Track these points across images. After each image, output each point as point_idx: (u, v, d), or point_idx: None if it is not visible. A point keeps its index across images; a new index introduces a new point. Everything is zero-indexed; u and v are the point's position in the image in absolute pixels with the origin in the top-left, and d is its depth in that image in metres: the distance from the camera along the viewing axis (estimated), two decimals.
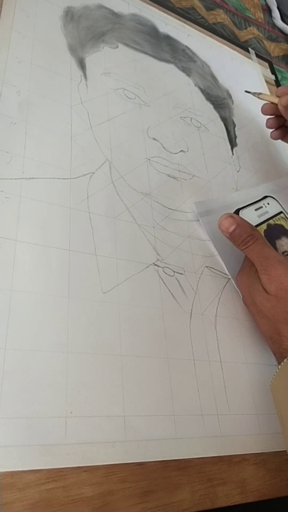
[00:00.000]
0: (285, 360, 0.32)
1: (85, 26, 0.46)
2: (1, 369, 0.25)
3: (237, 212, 0.41)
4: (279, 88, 0.48)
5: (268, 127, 0.51)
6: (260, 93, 0.49)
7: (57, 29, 0.43)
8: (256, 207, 0.42)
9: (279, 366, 0.32)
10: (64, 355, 0.28)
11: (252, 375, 0.36)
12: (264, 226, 0.41)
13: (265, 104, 0.50)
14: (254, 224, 0.39)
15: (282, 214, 0.44)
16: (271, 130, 0.52)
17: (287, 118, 0.47)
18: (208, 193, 0.45)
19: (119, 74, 0.45)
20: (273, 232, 0.41)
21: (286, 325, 0.33)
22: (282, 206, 0.44)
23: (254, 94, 0.50)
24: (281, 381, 0.32)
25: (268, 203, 0.43)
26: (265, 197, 0.44)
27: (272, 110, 0.49)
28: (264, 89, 0.64)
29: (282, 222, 0.43)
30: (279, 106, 0.47)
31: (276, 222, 0.42)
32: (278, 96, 0.48)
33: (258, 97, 0.49)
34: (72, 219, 0.33)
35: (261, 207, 0.43)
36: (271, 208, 0.43)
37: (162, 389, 0.31)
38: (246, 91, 0.50)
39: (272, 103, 0.48)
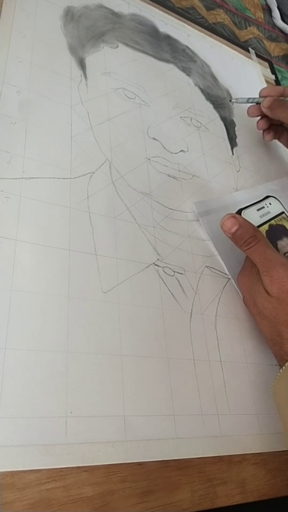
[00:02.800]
0: (286, 364, 0.32)
1: (85, 26, 0.46)
2: (1, 369, 0.25)
3: (239, 212, 0.41)
4: (262, 89, 0.49)
5: (259, 129, 0.52)
6: (248, 98, 0.50)
7: (57, 29, 0.43)
8: (258, 207, 0.42)
9: (281, 370, 0.32)
10: (64, 355, 0.28)
11: (252, 375, 0.36)
12: (266, 226, 0.41)
13: (249, 107, 0.50)
14: (256, 224, 0.39)
15: (284, 215, 0.44)
16: (262, 131, 0.52)
17: (273, 118, 0.48)
18: (208, 193, 0.45)
19: (119, 74, 0.45)
20: (275, 232, 0.41)
21: (287, 328, 0.33)
22: (284, 207, 0.44)
23: (241, 101, 0.50)
24: (283, 384, 0.32)
25: (270, 203, 0.43)
26: (267, 197, 0.44)
27: (257, 111, 0.50)
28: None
29: (284, 223, 0.43)
30: (262, 109, 0.48)
31: (278, 223, 0.42)
32: (263, 96, 0.49)
33: (246, 102, 0.50)
34: (72, 219, 0.33)
35: (263, 207, 0.43)
36: (273, 208, 0.43)
37: (162, 389, 0.31)
38: (230, 101, 0.51)
39: (257, 103, 0.49)
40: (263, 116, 0.51)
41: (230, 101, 0.51)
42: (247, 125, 0.56)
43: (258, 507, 0.31)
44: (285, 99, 0.48)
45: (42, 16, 0.43)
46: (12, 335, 0.27)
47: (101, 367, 0.29)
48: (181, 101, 0.50)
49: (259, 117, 0.52)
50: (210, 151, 0.48)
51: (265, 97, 0.48)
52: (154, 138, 0.44)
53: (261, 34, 0.77)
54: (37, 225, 0.31)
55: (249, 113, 0.51)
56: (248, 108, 0.51)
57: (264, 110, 0.48)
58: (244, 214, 0.41)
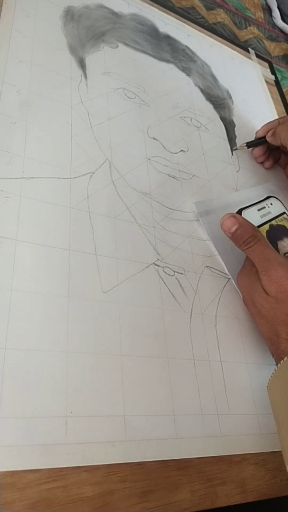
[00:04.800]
0: (281, 361, 0.32)
1: (85, 25, 0.46)
2: (1, 369, 0.25)
3: (239, 212, 0.41)
4: (258, 130, 0.52)
5: (255, 157, 0.53)
6: (246, 143, 0.52)
7: (57, 28, 0.43)
8: (259, 207, 0.42)
9: (276, 368, 0.32)
10: (64, 355, 0.28)
11: (252, 375, 0.36)
12: (266, 226, 0.41)
13: (253, 149, 0.53)
14: (256, 224, 0.39)
15: (284, 215, 0.43)
16: (262, 161, 0.54)
17: (276, 144, 0.50)
18: (208, 193, 0.45)
19: (119, 73, 0.45)
20: (275, 233, 0.41)
21: (284, 327, 0.33)
22: (285, 207, 0.44)
23: (241, 147, 0.52)
24: (277, 382, 0.32)
25: (271, 203, 0.43)
26: (268, 197, 0.44)
27: (261, 151, 0.53)
28: (263, 90, 0.64)
29: (285, 223, 0.43)
30: (267, 138, 0.50)
31: (279, 223, 0.42)
32: (260, 137, 0.52)
33: (246, 148, 0.52)
34: (72, 218, 0.33)
35: (264, 207, 0.43)
36: (274, 208, 0.43)
37: (162, 389, 0.31)
38: (235, 149, 0.52)
39: (259, 143, 0.52)
40: (264, 153, 0.53)
41: (235, 149, 0.53)
42: (247, 125, 0.56)
43: (258, 507, 0.31)
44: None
45: (42, 16, 0.43)
46: (12, 335, 0.27)
47: (101, 367, 0.29)
48: (181, 101, 0.50)
49: (258, 148, 0.53)
50: (210, 151, 0.49)
51: (263, 137, 0.51)
52: (154, 138, 0.44)
53: (261, 34, 0.77)
54: (37, 225, 0.31)
55: (255, 156, 0.53)
56: (253, 151, 0.53)
57: (269, 139, 0.50)
58: (244, 214, 0.41)
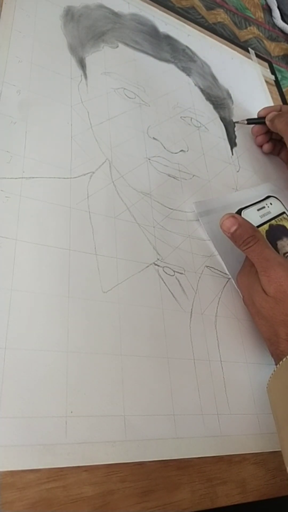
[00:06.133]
0: (280, 362, 0.32)
1: (85, 25, 0.46)
2: (1, 369, 0.25)
3: (239, 212, 0.41)
4: (260, 110, 0.54)
5: (258, 145, 0.55)
6: (247, 119, 0.54)
7: (57, 28, 0.43)
8: (258, 207, 0.42)
9: (275, 368, 0.32)
10: (64, 355, 0.28)
11: (252, 375, 0.36)
12: (266, 226, 0.41)
13: (253, 127, 0.54)
14: (256, 224, 0.39)
15: (284, 215, 0.43)
16: (261, 143, 0.55)
17: (274, 131, 0.51)
18: (208, 193, 0.45)
19: (119, 73, 0.45)
20: (275, 232, 0.41)
21: (283, 327, 0.33)
22: (285, 207, 0.44)
23: (242, 122, 0.54)
24: (276, 382, 0.32)
25: (270, 203, 0.43)
26: (268, 197, 0.44)
27: (260, 130, 0.54)
28: (264, 89, 0.64)
29: (285, 223, 0.43)
30: (267, 122, 0.52)
31: (279, 223, 0.42)
32: (260, 116, 0.53)
33: (246, 123, 0.54)
34: (72, 218, 0.33)
35: (264, 207, 0.43)
36: (273, 208, 0.43)
37: (162, 388, 0.31)
38: (236, 122, 0.54)
39: (259, 123, 0.53)
40: (264, 133, 0.54)
41: (236, 122, 0.55)
42: (247, 125, 0.56)
43: (258, 507, 0.31)
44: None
45: (42, 16, 0.43)
46: (12, 335, 0.27)
47: (101, 367, 0.29)
48: (181, 101, 0.50)
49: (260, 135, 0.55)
50: (210, 151, 0.49)
51: (263, 116, 0.52)
52: (154, 138, 0.44)
53: (261, 34, 0.77)
54: (37, 225, 0.31)
55: (254, 133, 0.55)
56: (253, 128, 0.54)
57: (268, 123, 0.51)
58: (244, 214, 0.41)
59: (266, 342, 0.36)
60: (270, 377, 0.33)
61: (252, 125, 0.55)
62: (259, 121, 0.53)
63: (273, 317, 0.34)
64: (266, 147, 0.54)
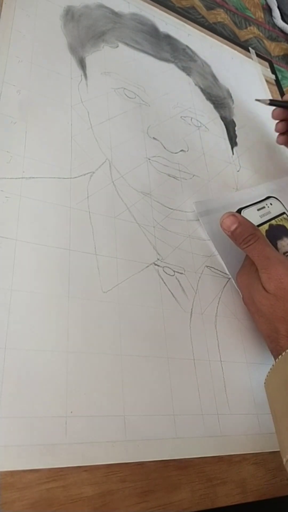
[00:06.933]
0: (279, 357, 0.32)
1: (85, 25, 0.46)
2: (1, 369, 0.25)
3: (239, 211, 0.41)
4: (286, 95, 0.50)
5: (276, 131, 0.52)
6: (270, 99, 0.50)
7: (57, 28, 0.43)
8: (258, 207, 0.42)
9: (274, 363, 0.32)
10: (64, 355, 0.28)
11: (252, 375, 0.36)
12: (266, 226, 0.41)
13: (275, 109, 0.51)
14: (255, 224, 0.39)
15: (284, 215, 0.44)
16: (277, 134, 0.53)
17: None
18: (208, 193, 0.45)
19: (119, 73, 0.45)
20: (275, 232, 0.41)
21: (283, 324, 0.33)
22: (285, 207, 0.44)
23: (263, 101, 0.50)
24: (274, 377, 0.32)
25: (271, 204, 0.44)
26: (268, 197, 0.44)
27: (282, 115, 0.50)
28: (264, 89, 0.64)
29: (285, 223, 0.43)
30: None
31: (279, 223, 0.42)
32: (285, 100, 0.49)
33: (268, 104, 0.50)
34: (72, 218, 0.33)
35: (264, 207, 0.43)
36: (273, 208, 0.43)
37: (162, 389, 0.31)
38: (257, 100, 0.50)
39: (282, 106, 0.50)
40: (286, 120, 0.51)
41: (257, 100, 0.50)
42: (247, 125, 0.56)
43: (258, 507, 0.31)
44: None
45: (42, 16, 0.43)
46: (12, 335, 0.27)
47: (101, 367, 0.29)
48: (181, 100, 0.50)
49: (277, 121, 0.52)
50: (210, 150, 0.48)
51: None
52: (154, 138, 0.44)
53: (261, 34, 0.77)
54: (37, 225, 0.31)
55: (274, 116, 0.51)
56: (273, 111, 0.51)
57: None
58: (244, 213, 0.41)
59: (266, 340, 0.36)
60: (268, 373, 0.32)
61: (273, 108, 0.51)
62: (282, 104, 0.49)
63: (273, 314, 0.34)
64: (281, 138, 0.52)
